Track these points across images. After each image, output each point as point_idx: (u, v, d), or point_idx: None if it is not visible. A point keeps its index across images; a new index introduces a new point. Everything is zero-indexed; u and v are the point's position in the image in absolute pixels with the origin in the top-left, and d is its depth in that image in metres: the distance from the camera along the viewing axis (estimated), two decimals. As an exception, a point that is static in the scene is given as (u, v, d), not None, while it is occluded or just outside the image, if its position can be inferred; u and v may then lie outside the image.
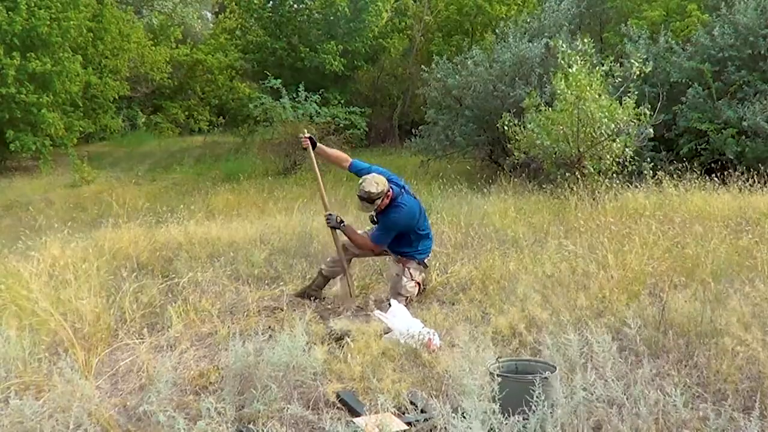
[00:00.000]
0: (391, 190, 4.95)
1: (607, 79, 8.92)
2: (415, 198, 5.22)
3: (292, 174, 14.98)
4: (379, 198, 4.87)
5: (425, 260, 5.20)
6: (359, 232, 5.26)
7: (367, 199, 4.88)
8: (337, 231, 5.11)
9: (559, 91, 8.65)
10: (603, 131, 8.46)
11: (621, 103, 8.75)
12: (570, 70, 8.59)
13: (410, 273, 5.05)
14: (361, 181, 4.97)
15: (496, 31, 14.84)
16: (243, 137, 19.64)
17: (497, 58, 13.46)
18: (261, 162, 16.02)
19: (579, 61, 8.70)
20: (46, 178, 16.52)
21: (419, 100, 18.79)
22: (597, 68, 8.88)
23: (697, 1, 14.51)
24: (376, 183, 4.87)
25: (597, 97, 8.48)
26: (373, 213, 5.06)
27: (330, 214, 5.07)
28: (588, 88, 8.38)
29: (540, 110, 9.15)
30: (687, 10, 14.30)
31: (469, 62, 13.74)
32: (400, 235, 5.05)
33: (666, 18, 14.74)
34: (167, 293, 5.25)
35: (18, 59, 15.70)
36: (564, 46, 9.06)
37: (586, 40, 9.47)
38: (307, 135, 5.36)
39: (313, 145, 5.32)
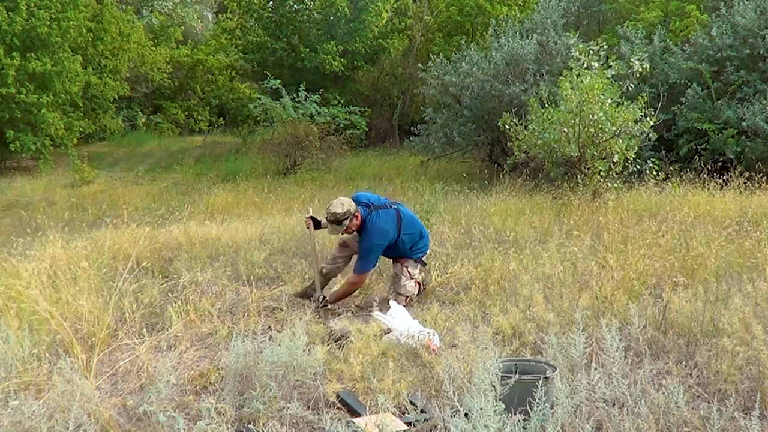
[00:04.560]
0: (359, 211, 4.95)
1: (616, 83, 8.83)
2: (392, 208, 5.11)
3: (292, 174, 15.00)
4: (346, 218, 4.87)
5: (422, 258, 5.21)
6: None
7: (334, 220, 4.89)
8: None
9: (565, 93, 8.57)
10: (607, 130, 8.41)
11: (624, 104, 8.70)
12: (587, 71, 8.52)
13: (409, 272, 5.08)
14: (328, 204, 5.00)
15: (495, 29, 14.80)
16: (243, 137, 19.67)
17: (491, 58, 13.45)
18: (261, 162, 16.04)
19: (593, 63, 8.63)
20: (46, 178, 16.50)
21: (419, 100, 18.80)
22: (602, 70, 8.81)
23: (696, 2, 14.50)
24: (341, 204, 4.90)
25: (602, 98, 8.41)
26: (342, 234, 5.04)
27: (319, 296, 5.02)
28: (594, 90, 8.31)
29: (545, 106, 9.10)
30: (686, 11, 14.30)
31: (464, 64, 13.72)
32: (387, 246, 5.03)
33: (664, 19, 14.73)
34: (167, 293, 5.25)
35: (18, 59, 15.70)
36: (579, 44, 8.99)
37: (600, 41, 9.37)
38: (310, 215, 5.29)
39: (316, 225, 5.27)
